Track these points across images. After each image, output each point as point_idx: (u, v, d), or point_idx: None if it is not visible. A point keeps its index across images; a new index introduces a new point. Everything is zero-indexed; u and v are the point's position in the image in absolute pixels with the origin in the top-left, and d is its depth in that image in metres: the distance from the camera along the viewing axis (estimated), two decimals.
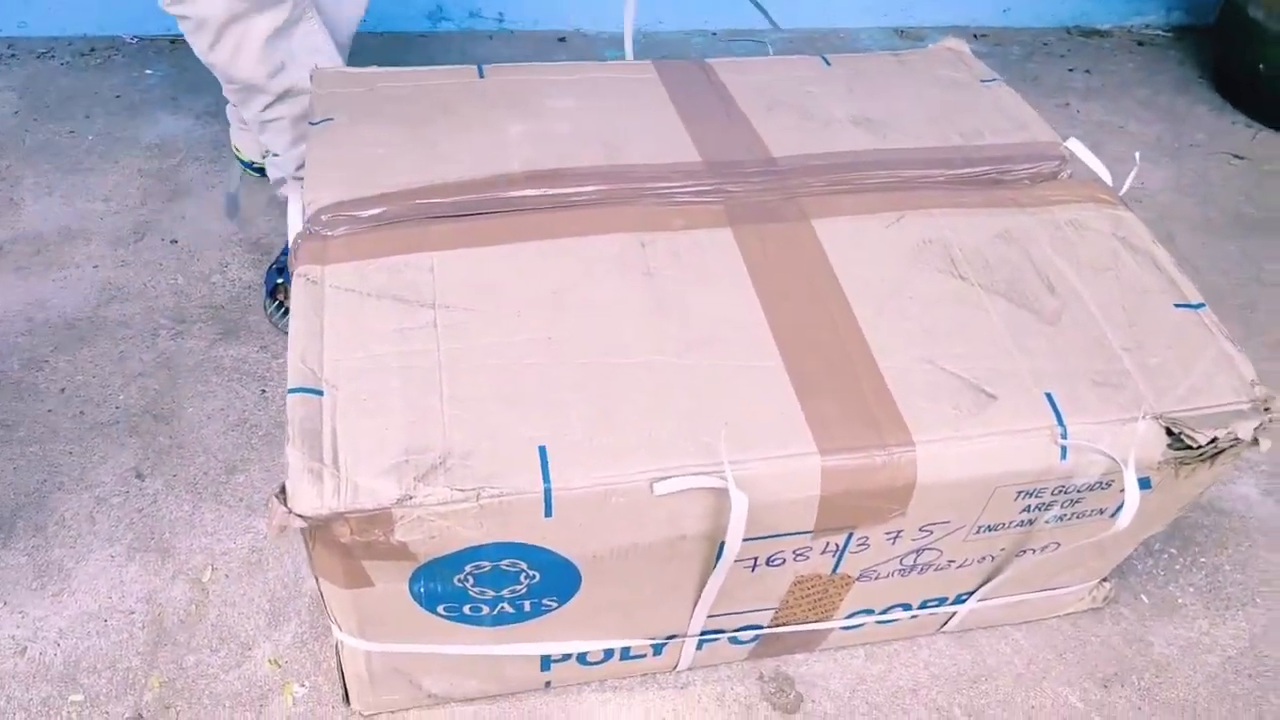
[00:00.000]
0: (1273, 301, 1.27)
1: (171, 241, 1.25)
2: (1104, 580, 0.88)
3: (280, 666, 0.84)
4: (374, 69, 0.95)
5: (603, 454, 0.61)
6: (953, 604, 0.83)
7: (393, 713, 0.81)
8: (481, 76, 0.93)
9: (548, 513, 0.61)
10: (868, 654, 0.87)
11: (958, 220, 0.79)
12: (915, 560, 0.74)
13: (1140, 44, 1.81)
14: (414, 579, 0.65)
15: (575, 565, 0.66)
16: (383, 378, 0.64)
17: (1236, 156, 1.53)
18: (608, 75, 0.95)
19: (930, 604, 0.82)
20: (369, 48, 1.47)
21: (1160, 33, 1.85)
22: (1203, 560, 0.97)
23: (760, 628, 0.79)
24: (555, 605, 0.70)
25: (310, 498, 0.58)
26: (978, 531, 0.72)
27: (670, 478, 0.61)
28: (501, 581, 0.66)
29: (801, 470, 0.63)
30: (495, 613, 0.70)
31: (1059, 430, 0.66)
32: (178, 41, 1.64)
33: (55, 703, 0.81)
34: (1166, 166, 1.50)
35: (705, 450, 0.62)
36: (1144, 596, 0.93)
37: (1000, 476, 0.66)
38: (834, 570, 0.73)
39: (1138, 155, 0.88)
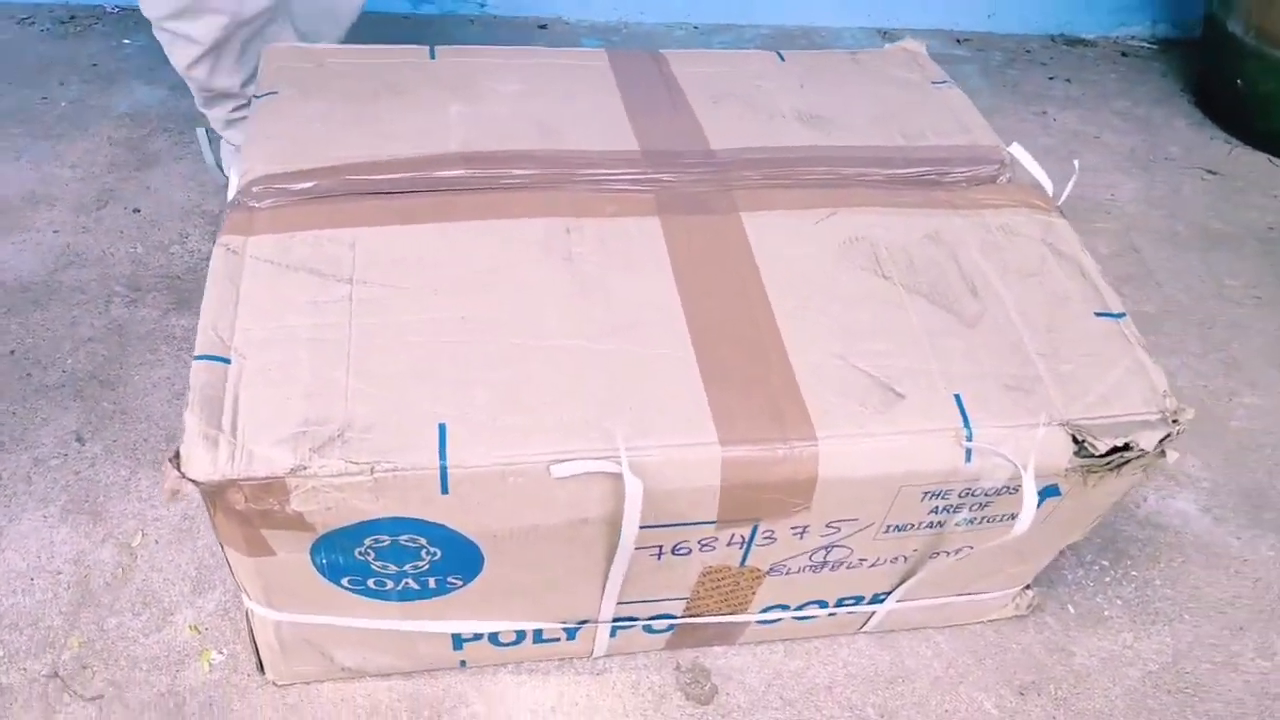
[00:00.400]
0: (1231, 316, 1.26)
1: (134, 210, 1.26)
2: (1028, 588, 0.89)
3: (200, 633, 0.85)
4: (326, 45, 0.96)
5: (504, 434, 0.62)
6: (870, 603, 0.83)
7: (306, 683, 0.82)
8: (433, 58, 0.94)
9: (444, 489, 0.61)
10: (787, 650, 0.87)
11: (889, 219, 0.79)
12: (825, 557, 0.74)
13: (1124, 55, 1.81)
14: (315, 550, 0.65)
15: (476, 544, 0.66)
16: (291, 349, 0.64)
17: (1210, 171, 1.53)
18: (558, 61, 0.95)
19: (847, 602, 0.82)
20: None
21: (1145, 44, 1.84)
22: (1134, 574, 0.97)
23: (674, 617, 0.80)
24: (460, 584, 0.70)
25: (204, 463, 0.58)
26: (886, 531, 0.72)
27: (569, 460, 0.61)
28: (403, 557, 0.66)
29: (702, 460, 0.63)
30: (400, 588, 0.70)
31: (964, 432, 0.66)
32: None
33: None
34: (1138, 178, 1.49)
35: (606, 435, 0.62)
36: (1070, 606, 0.93)
37: (904, 476, 0.66)
38: (742, 562, 0.73)
39: (1076, 164, 0.88)
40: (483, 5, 1.70)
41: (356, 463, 0.59)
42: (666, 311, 0.70)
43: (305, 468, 0.59)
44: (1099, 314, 0.74)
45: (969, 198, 0.82)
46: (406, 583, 0.69)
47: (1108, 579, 0.96)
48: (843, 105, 0.91)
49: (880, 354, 0.69)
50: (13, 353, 1.06)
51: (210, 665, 0.83)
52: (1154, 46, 1.84)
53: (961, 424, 0.66)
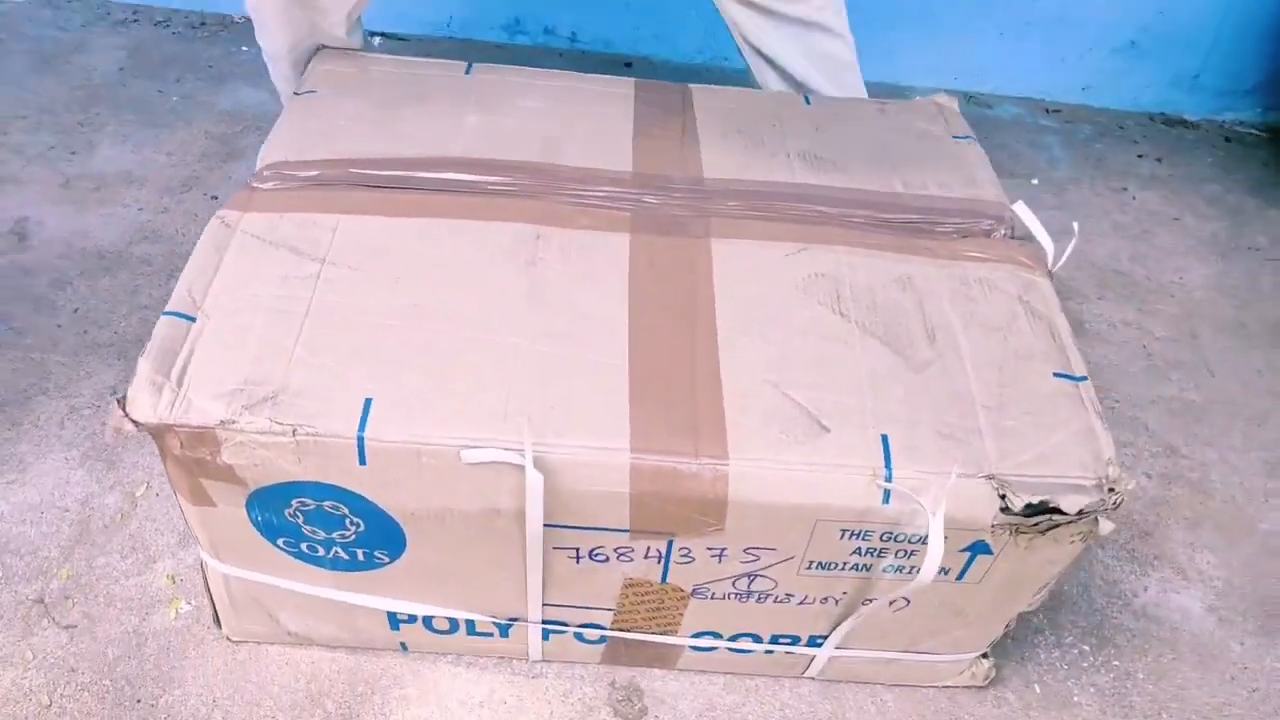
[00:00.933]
0: None
1: (212, 197, 1.36)
2: (985, 656, 0.85)
3: (175, 583, 0.90)
4: (374, 54, 1.03)
5: (424, 415, 0.65)
6: (807, 645, 0.81)
7: (258, 643, 0.86)
8: (468, 74, 0.99)
9: (361, 460, 0.64)
10: (726, 684, 0.86)
11: (859, 259, 0.79)
12: (749, 586, 0.74)
13: (1227, 140, 1.73)
14: (249, 506, 0.69)
15: (396, 520, 0.69)
16: (252, 315, 0.69)
17: None
18: (585, 86, 0.99)
19: (783, 640, 0.81)
20: (444, 51, 1.56)
21: (1253, 131, 1.75)
22: (1115, 663, 0.91)
23: (603, 628, 0.80)
24: (387, 560, 0.73)
25: (146, 407, 0.64)
26: (810, 566, 0.71)
27: (476, 448, 0.64)
28: (330, 523, 0.70)
29: (611, 464, 0.64)
30: (331, 556, 0.73)
31: (885, 473, 0.65)
32: None
33: None
34: (1213, 264, 1.42)
35: (520, 429, 0.64)
36: (1037, 686, 0.89)
37: (817, 509, 0.66)
38: (663, 579, 0.73)
39: (1076, 225, 0.85)
40: (573, 40, 1.77)
41: (281, 423, 0.63)
42: (611, 323, 0.72)
43: (234, 422, 0.63)
44: (1058, 375, 0.72)
45: (952, 249, 0.81)
46: (336, 552, 0.73)
47: (1085, 664, 0.91)
48: (849, 149, 0.92)
49: (814, 386, 0.69)
50: (76, 310, 1.16)
51: (177, 613, 0.88)
52: (1263, 133, 1.76)
53: (883, 464, 0.65)
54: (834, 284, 0.77)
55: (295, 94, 0.94)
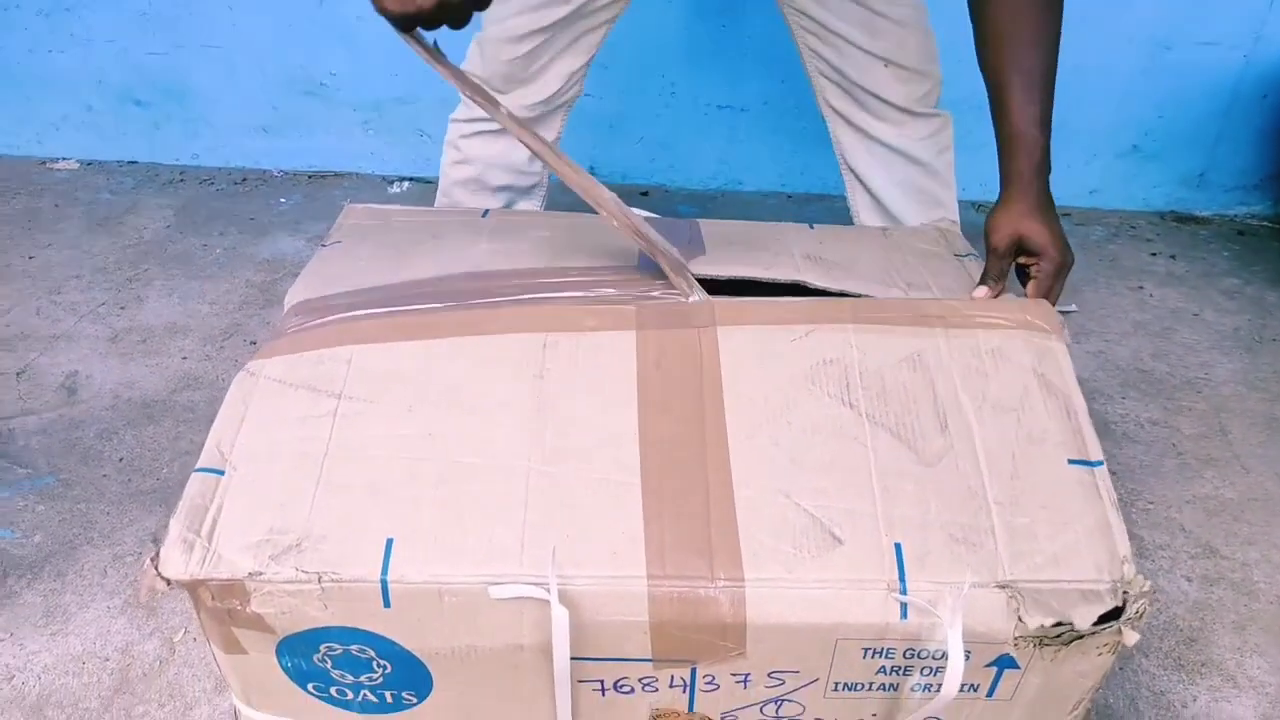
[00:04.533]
0: None
1: (251, 342, 1.42)
2: None
3: None
4: (399, 207, 1.09)
5: (443, 552, 0.66)
6: None
7: None
8: (484, 217, 1.04)
9: (386, 603, 0.66)
10: None
11: (868, 339, 0.79)
12: (778, 711, 0.73)
13: (1240, 234, 1.75)
14: (280, 652, 0.70)
15: (422, 661, 0.70)
16: (275, 462, 0.72)
17: None
18: (596, 220, 1.04)
19: None
20: None
21: (1266, 224, 1.77)
22: None
23: None
24: (415, 701, 0.74)
25: (178, 565, 0.66)
26: (836, 688, 0.70)
27: (502, 584, 0.65)
28: (357, 667, 0.71)
29: (629, 593, 0.65)
30: (360, 700, 0.74)
31: (899, 586, 0.65)
32: (314, 176, 1.89)
33: None
34: (1239, 359, 1.42)
35: (540, 561, 0.66)
36: None
37: (836, 628, 0.66)
38: (690, 708, 0.73)
39: (1073, 305, 0.86)
40: (591, 172, 1.85)
41: (306, 571, 0.65)
42: (620, 435, 0.73)
43: (261, 573, 0.65)
44: (1073, 461, 0.72)
45: (964, 315, 0.81)
46: (365, 694, 0.74)
47: None
48: (854, 256, 0.94)
49: (826, 491, 0.69)
50: (121, 460, 1.21)
51: None
52: (1276, 226, 1.77)
53: (897, 576, 0.65)
54: (842, 370, 0.77)
55: (322, 246, 0.99)
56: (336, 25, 1.72)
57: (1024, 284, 0.88)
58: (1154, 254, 1.68)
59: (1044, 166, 0.89)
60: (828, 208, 1.79)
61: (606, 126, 1.78)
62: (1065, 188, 1.81)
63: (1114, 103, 1.67)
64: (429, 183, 1.85)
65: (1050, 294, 0.86)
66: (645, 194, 1.83)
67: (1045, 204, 0.89)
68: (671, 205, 1.80)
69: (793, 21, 1.18)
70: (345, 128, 1.80)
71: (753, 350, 0.79)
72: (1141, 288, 1.58)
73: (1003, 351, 0.79)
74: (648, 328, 0.81)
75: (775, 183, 1.82)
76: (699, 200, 1.82)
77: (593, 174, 1.85)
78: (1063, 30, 0.90)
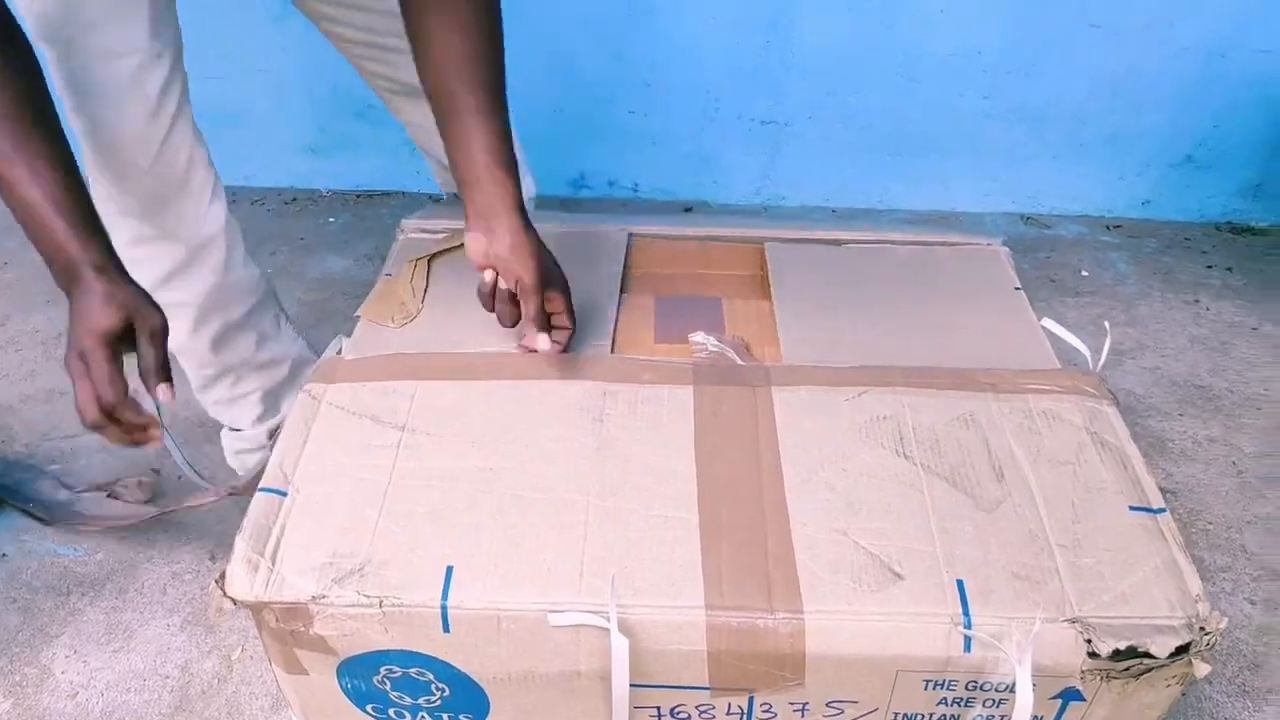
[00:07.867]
0: None
1: None
2: None
3: None
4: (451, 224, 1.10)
5: (503, 580, 0.67)
6: None
7: None
8: None
9: (445, 628, 0.66)
10: None
11: (921, 400, 0.80)
12: None
13: None
14: (340, 673, 0.71)
15: (480, 685, 0.70)
16: (339, 486, 0.73)
17: None
18: None
19: None
20: None
21: None
22: None
23: None
24: None
25: (243, 586, 0.67)
26: (896, 719, 0.70)
27: (561, 611, 0.65)
28: (416, 689, 0.72)
29: (687, 623, 0.65)
30: None
31: (963, 620, 0.64)
32: (360, 196, 1.91)
33: None
34: None
35: (598, 590, 0.66)
36: None
37: (896, 660, 0.65)
38: None
39: (1107, 325, 0.85)
40: (635, 190, 1.86)
41: (368, 596, 0.66)
42: (678, 475, 0.74)
43: (325, 596, 0.66)
44: (1134, 508, 0.71)
45: (1014, 382, 0.82)
46: (423, 716, 0.74)
47: None
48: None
49: (883, 532, 0.69)
50: (180, 478, 1.23)
51: None
52: None
53: (960, 610, 0.65)
54: (896, 425, 0.78)
55: (385, 275, 1.00)
56: None
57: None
58: (1210, 266, 1.65)
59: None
60: (874, 221, 1.77)
61: (650, 142, 1.79)
62: (1117, 199, 1.79)
63: (1167, 112, 1.65)
64: None
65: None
66: (689, 209, 1.83)
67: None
68: (715, 220, 1.79)
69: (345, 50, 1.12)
70: (392, 148, 1.82)
71: (806, 407, 0.80)
72: (1197, 301, 1.55)
73: (1054, 413, 0.80)
74: (704, 383, 0.82)
75: (819, 198, 1.81)
76: (743, 215, 1.81)
77: (636, 191, 1.86)
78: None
